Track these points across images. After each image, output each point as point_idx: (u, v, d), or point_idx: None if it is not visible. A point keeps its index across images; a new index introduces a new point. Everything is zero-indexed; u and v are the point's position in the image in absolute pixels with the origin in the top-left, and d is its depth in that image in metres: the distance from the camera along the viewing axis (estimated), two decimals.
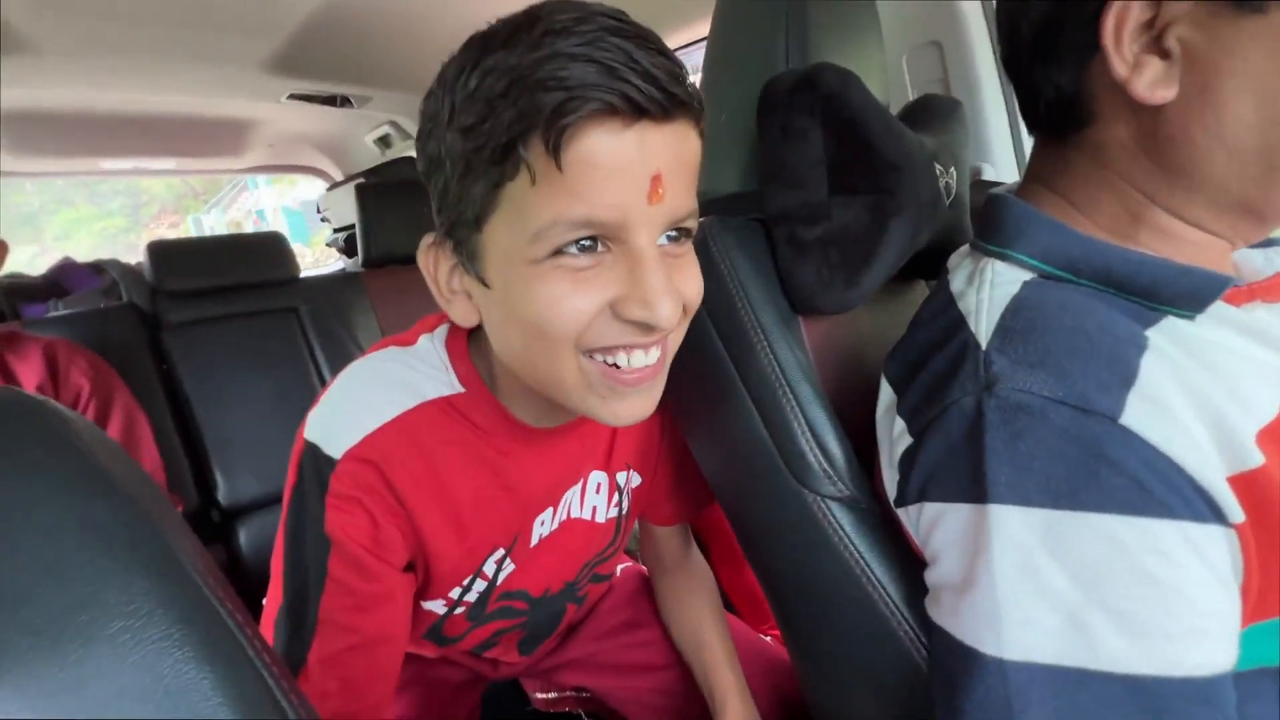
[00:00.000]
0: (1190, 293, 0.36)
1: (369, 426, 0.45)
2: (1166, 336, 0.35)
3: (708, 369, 0.50)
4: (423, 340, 0.50)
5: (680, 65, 0.37)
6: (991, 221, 0.42)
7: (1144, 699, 0.30)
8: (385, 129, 2.01)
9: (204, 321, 1.39)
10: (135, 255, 1.58)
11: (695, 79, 0.43)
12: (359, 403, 0.47)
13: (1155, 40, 0.33)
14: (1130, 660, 0.30)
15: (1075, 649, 0.31)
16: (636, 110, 0.34)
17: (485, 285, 0.40)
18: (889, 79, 0.96)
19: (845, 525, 0.44)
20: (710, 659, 0.65)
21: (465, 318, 0.44)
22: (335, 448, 0.45)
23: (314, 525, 0.45)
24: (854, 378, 0.53)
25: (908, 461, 0.39)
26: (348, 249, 2.27)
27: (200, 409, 1.34)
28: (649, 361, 0.41)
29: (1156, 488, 0.31)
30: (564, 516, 0.57)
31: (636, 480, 0.62)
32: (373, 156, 2.23)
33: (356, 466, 0.44)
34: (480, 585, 0.55)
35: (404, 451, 0.46)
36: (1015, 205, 0.41)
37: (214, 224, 8.63)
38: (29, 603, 0.21)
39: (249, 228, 8.28)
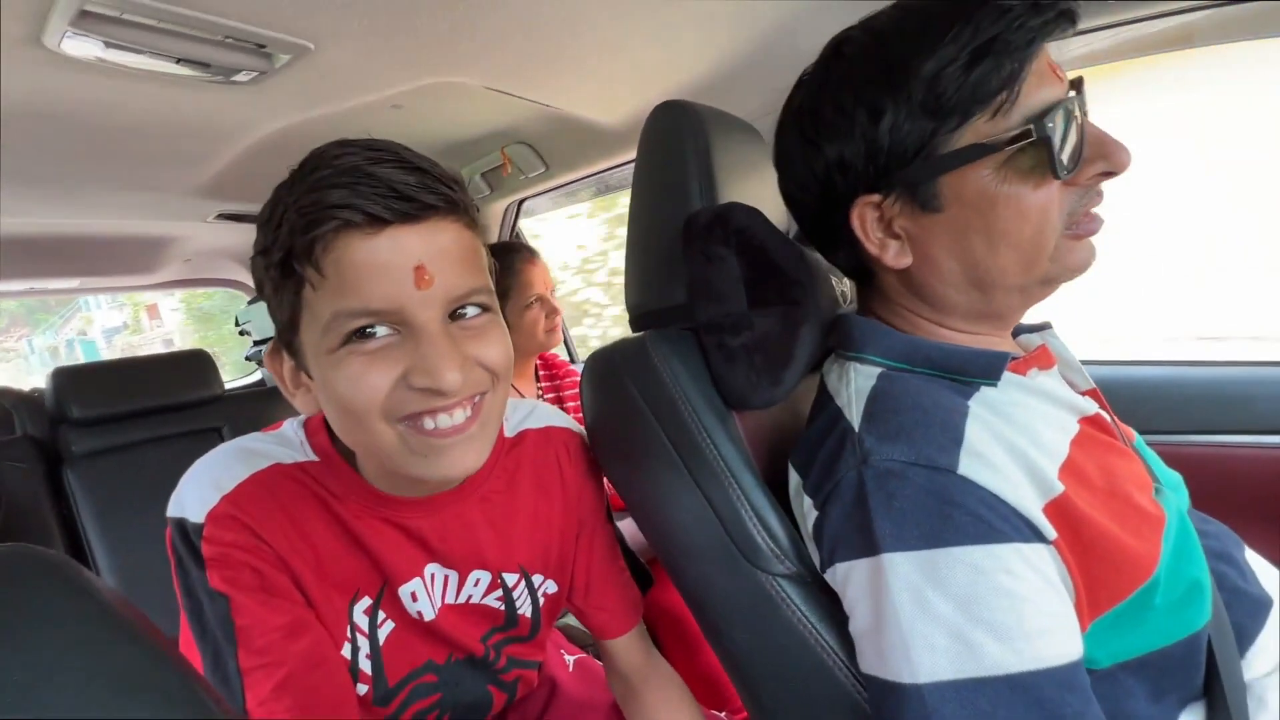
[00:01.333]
0: (986, 367, 0.48)
1: (226, 487, 0.49)
2: (981, 404, 0.46)
3: (658, 467, 0.56)
4: (285, 425, 0.56)
5: (435, 176, 0.44)
6: (844, 335, 0.55)
7: (1023, 692, 0.37)
8: None
9: (114, 450, 1.30)
10: None
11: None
12: (212, 472, 0.50)
13: (888, 229, 0.49)
14: (1006, 662, 0.38)
15: (966, 662, 0.38)
16: (379, 220, 0.42)
17: (310, 377, 0.48)
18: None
19: (796, 599, 0.49)
20: None
21: (307, 407, 0.50)
22: (197, 513, 0.48)
23: (204, 589, 0.48)
24: (781, 463, 0.59)
25: (818, 532, 0.48)
26: None
27: (102, 550, 1.22)
28: (452, 423, 0.46)
29: (993, 519, 0.40)
30: (443, 600, 0.59)
31: (553, 588, 0.64)
32: None
33: (221, 525, 0.48)
34: (364, 648, 0.55)
35: (262, 504, 0.50)
36: (859, 321, 0.54)
37: (42, 346, 8.18)
38: None
39: (62, 352, 8.02)
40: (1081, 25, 0.45)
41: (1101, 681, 0.42)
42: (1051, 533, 0.41)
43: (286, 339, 0.48)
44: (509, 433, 0.63)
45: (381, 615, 0.55)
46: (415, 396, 0.45)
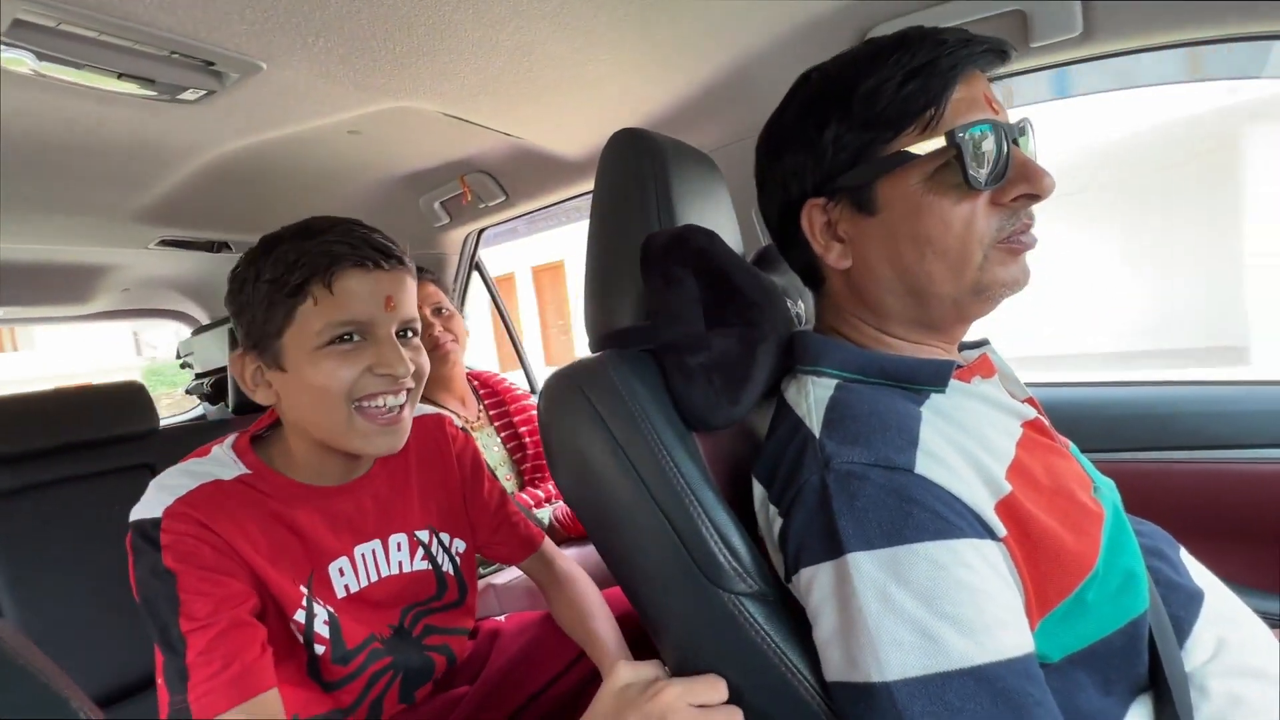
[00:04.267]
0: (935, 375, 0.51)
1: (179, 493, 0.62)
2: (931, 410, 0.48)
3: (618, 487, 0.54)
4: (214, 450, 0.69)
5: (394, 244, 0.67)
6: (801, 351, 0.57)
7: (987, 684, 0.38)
8: None
9: (31, 489, 1.19)
10: None
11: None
12: (166, 486, 0.63)
13: (834, 232, 0.53)
14: (970, 655, 0.38)
15: (933, 656, 0.39)
16: (371, 264, 0.64)
17: (283, 371, 0.65)
18: (745, 229, 1.15)
19: (759, 617, 0.48)
20: (593, 639, 0.77)
21: (267, 399, 0.68)
22: (156, 511, 0.61)
23: (156, 571, 0.59)
24: (742, 481, 0.59)
25: (783, 539, 0.48)
26: (214, 395, 2.10)
27: (14, 599, 1.11)
28: (398, 403, 0.67)
29: (950, 516, 0.42)
30: (374, 576, 0.73)
31: (461, 546, 0.82)
32: None
33: (177, 519, 0.61)
34: (321, 613, 0.67)
35: (212, 507, 0.62)
36: (814, 338, 0.57)
37: None
38: None
39: None
40: (1016, 66, 0.49)
41: (1053, 676, 0.43)
42: (1002, 530, 0.43)
43: (263, 344, 0.65)
44: None
45: (318, 602, 0.68)
46: (374, 381, 0.65)
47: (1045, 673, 0.41)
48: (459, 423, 1.33)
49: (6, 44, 0.66)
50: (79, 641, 1.12)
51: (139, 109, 0.88)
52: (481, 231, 1.72)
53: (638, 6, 0.80)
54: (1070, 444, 0.59)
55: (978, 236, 0.48)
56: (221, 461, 0.67)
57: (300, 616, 0.67)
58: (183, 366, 2.31)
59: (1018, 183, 0.47)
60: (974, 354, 0.60)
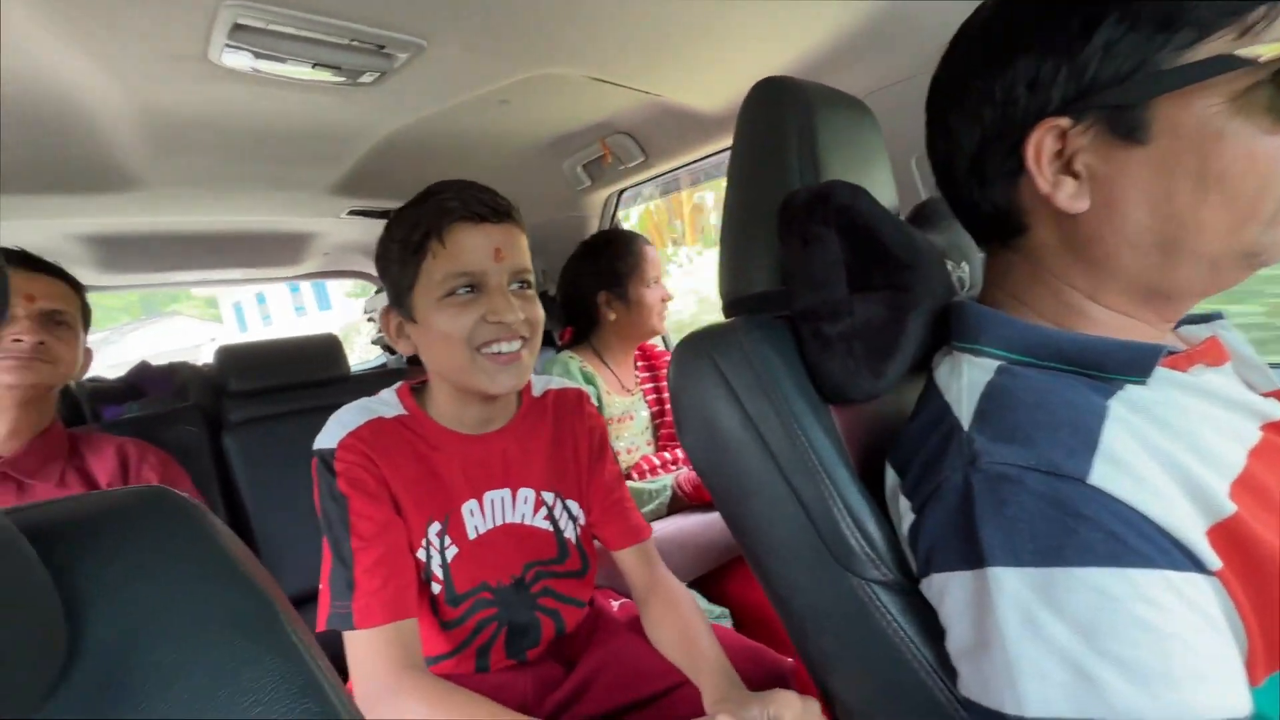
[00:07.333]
0: (1132, 362, 0.41)
1: (351, 427, 0.72)
2: (1125, 404, 0.39)
3: (746, 458, 0.53)
4: (383, 392, 0.79)
5: (503, 199, 0.72)
6: (958, 324, 0.48)
7: None
8: None
9: (262, 420, 1.47)
10: None
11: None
12: (341, 421, 0.73)
13: (1066, 165, 0.41)
14: (1142, 708, 0.31)
15: (1089, 701, 0.32)
16: (480, 217, 0.69)
17: (415, 322, 0.72)
18: (901, 181, 1.03)
19: (892, 609, 0.45)
20: (695, 656, 0.73)
21: (407, 349, 0.76)
22: (333, 442, 0.71)
23: (333, 493, 0.69)
24: (882, 460, 0.55)
25: (914, 537, 0.43)
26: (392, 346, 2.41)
27: (253, 506, 1.39)
28: (513, 349, 0.71)
29: (1132, 539, 0.34)
30: (499, 520, 0.78)
31: (584, 517, 0.84)
32: None
33: (348, 450, 0.71)
34: (436, 559, 0.74)
35: (375, 439, 0.72)
36: (975, 308, 0.47)
37: None
38: (179, 679, 0.25)
39: None
40: None
41: None
42: (1216, 562, 0.34)
43: (401, 300, 0.73)
44: (536, 393, 0.86)
45: (448, 539, 0.75)
46: (488, 329, 0.70)
47: None
48: (614, 393, 1.40)
49: (230, 46, 0.78)
50: (291, 545, 1.37)
51: (329, 94, 1.00)
52: (621, 193, 1.74)
53: None
54: None
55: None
56: (387, 403, 0.77)
57: (421, 554, 0.73)
58: (369, 321, 2.66)
59: None
60: (1199, 333, 0.49)
